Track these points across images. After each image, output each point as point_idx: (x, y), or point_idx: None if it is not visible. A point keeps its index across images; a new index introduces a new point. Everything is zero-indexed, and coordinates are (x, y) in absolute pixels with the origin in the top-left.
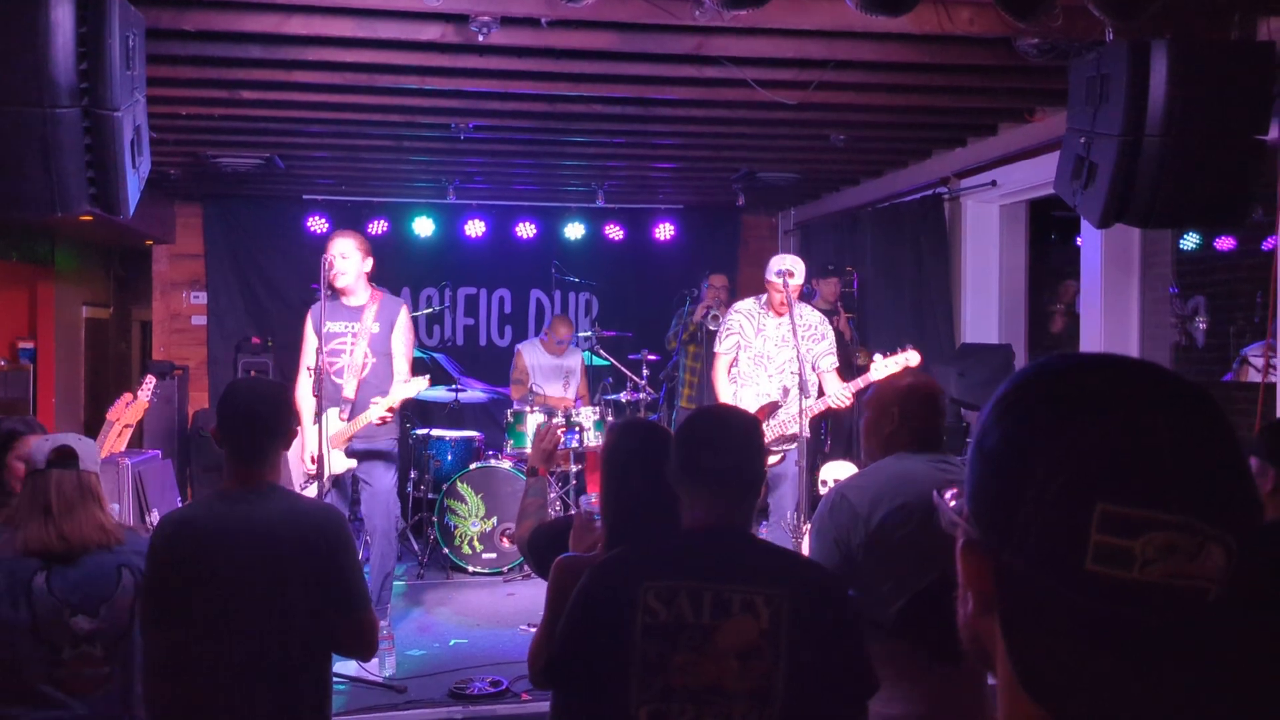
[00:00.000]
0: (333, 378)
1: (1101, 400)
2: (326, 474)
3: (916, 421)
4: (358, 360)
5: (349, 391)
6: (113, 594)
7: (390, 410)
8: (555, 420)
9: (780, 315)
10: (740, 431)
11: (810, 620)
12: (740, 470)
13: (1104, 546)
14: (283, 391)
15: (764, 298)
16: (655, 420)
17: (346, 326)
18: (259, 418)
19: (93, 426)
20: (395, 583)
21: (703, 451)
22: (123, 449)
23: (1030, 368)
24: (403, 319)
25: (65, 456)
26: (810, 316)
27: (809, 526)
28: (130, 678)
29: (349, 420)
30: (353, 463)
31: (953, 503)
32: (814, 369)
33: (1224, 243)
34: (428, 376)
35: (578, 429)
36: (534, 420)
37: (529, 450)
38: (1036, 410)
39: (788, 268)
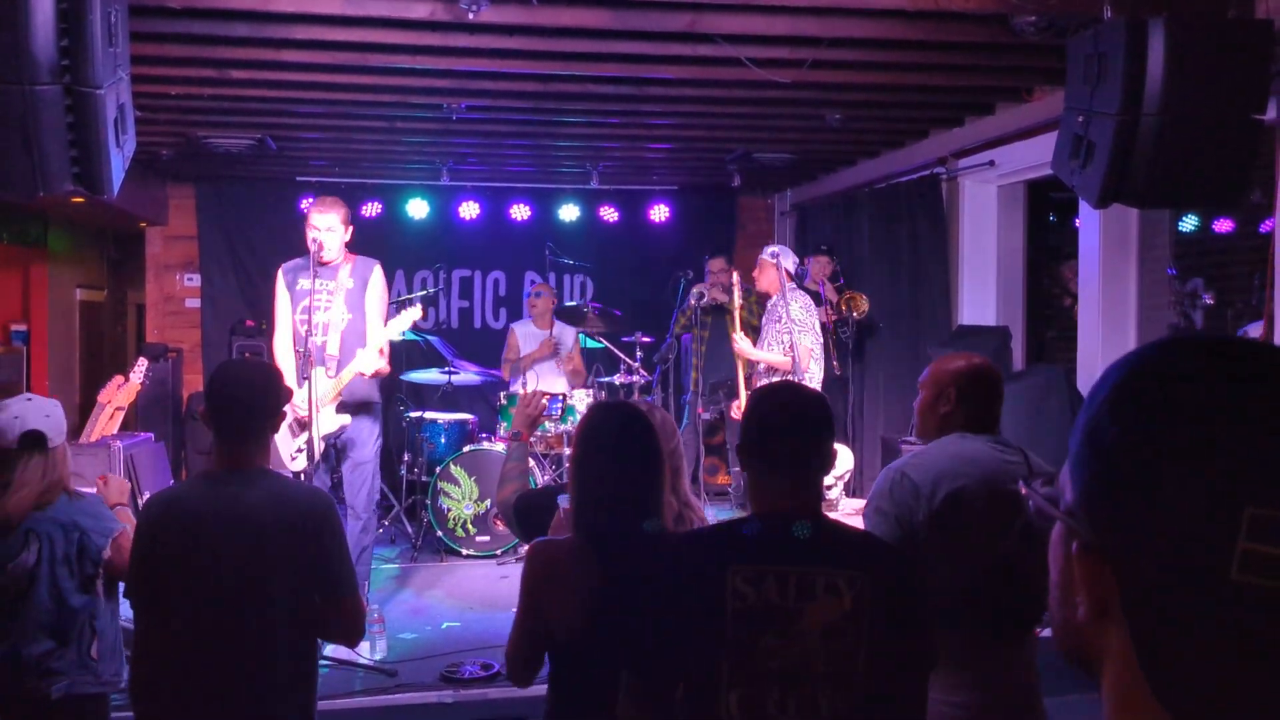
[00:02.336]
0: (316, 335)
1: (1242, 396)
2: (317, 436)
3: (974, 403)
4: (337, 316)
5: (333, 348)
6: (15, 555)
7: (381, 353)
8: (577, 403)
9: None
10: (811, 412)
11: (889, 601)
12: (812, 451)
13: (1252, 554)
14: (272, 373)
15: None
16: (650, 402)
17: (323, 284)
18: (248, 400)
19: (87, 410)
20: (388, 565)
21: (775, 433)
22: (115, 431)
23: (1144, 357)
24: (376, 275)
25: (34, 441)
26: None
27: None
28: (26, 639)
29: (335, 376)
30: (345, 418)
31: (1043, 494)
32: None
33: (1222, 225)
34: (417, 308)
35: (560, 404)
36: None
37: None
38: (1164, 401)
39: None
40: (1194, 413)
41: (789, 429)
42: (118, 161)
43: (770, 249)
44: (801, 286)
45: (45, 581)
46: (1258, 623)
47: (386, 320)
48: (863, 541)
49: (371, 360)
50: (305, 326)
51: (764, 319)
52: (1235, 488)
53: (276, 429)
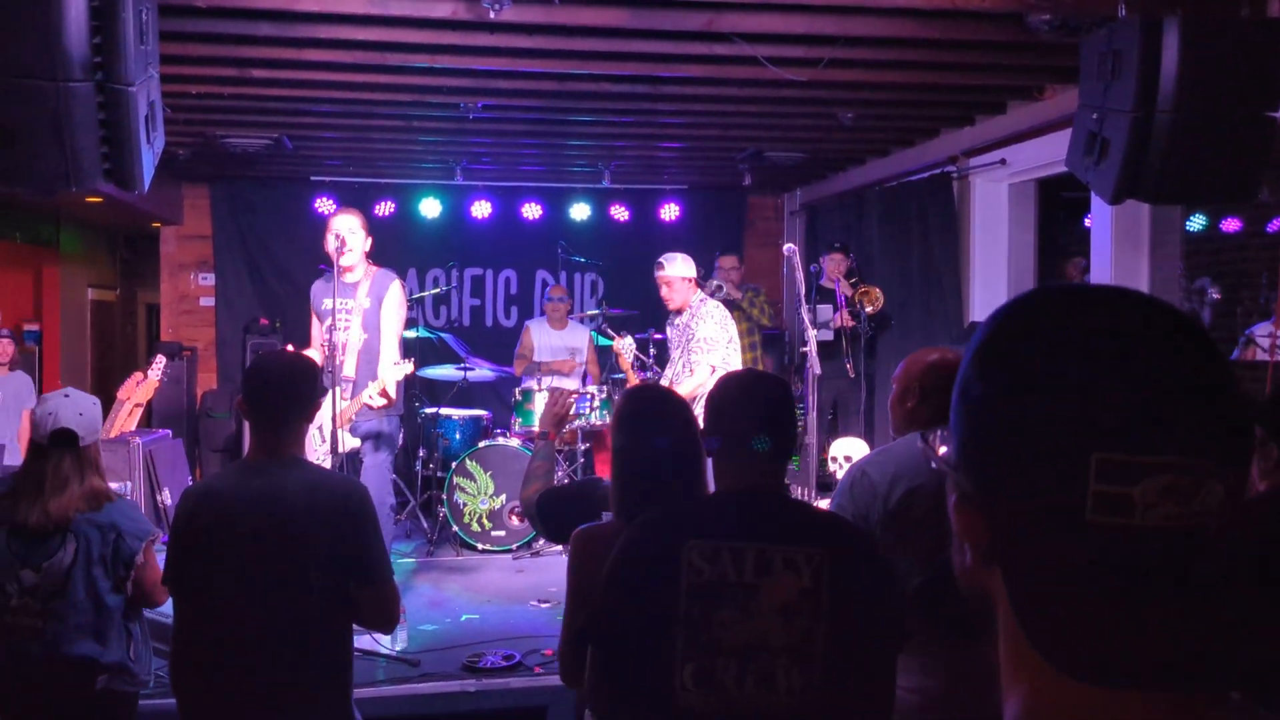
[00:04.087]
0: (336, 356)
1: (1087, 342)
2: (340, 450)
3: (938, 398)
4: (355, 338)
5: (349, 370)
6: (54, 554)
7: (384, 394)
8: (568, 388)
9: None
10: (770, 393)
11: (850, 578)
12: (772, 432)
13: (1103, 496)
14: (309, 364)
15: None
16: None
17: (343, 304)
18: (286, 388)
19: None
20: (404, 560)
21: (735, 415)
22: (133, 428)
23: (1008, 308)
24: (393, 293)
25: (65, 439)
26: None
27: (828, 501)
28: (68, 639)
29: (350, 399)
30: (357, 442)
31: (943, 449)
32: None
33: (1230, 224)
34: (412, 361)
35: (590, 399)
36: (542, 399)
37: (536, 429)
38: (1019, 357)
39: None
40: (1046, 363)
41: (749, 411)
42: (148, 158)
43: (670, 257)
44: (818, 286)
45: (82, 582)
46: (1111, 559)
47: (399, 336)
48: (825, 520)
49: (376, 396)
50: (327, 347)
51: (671, 335)
52: (1084, 433)
53: (311, 419)
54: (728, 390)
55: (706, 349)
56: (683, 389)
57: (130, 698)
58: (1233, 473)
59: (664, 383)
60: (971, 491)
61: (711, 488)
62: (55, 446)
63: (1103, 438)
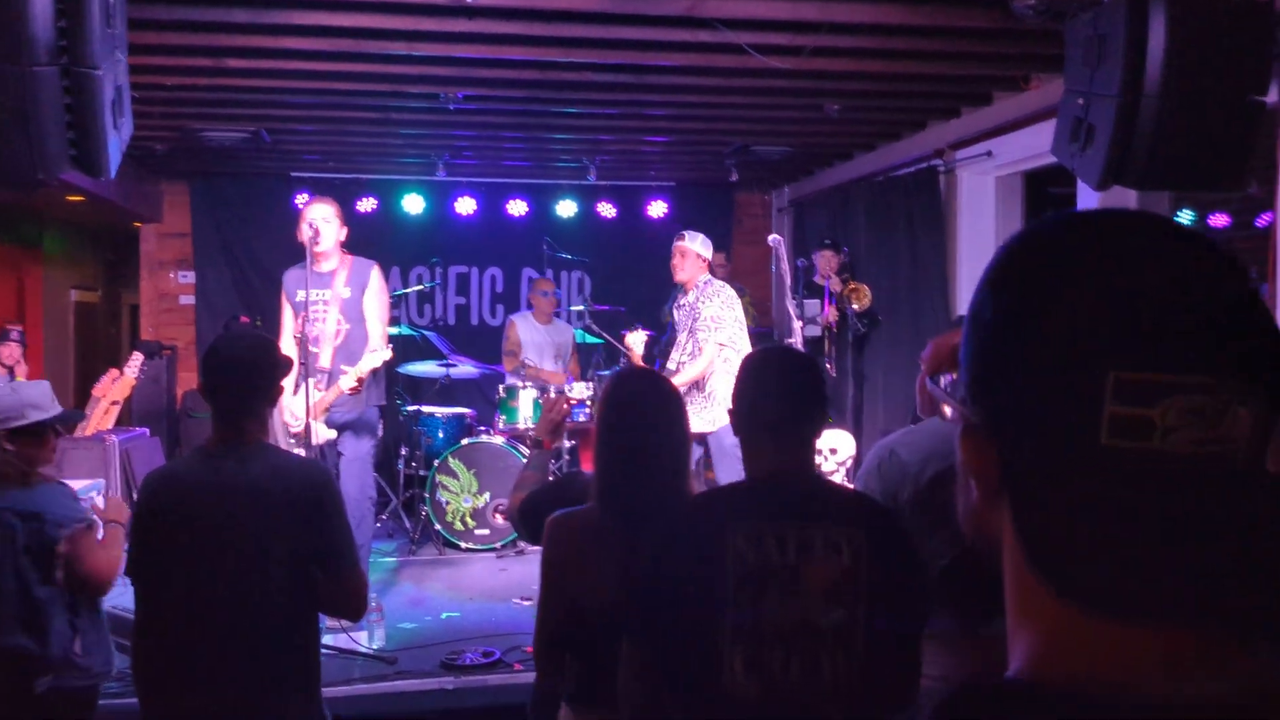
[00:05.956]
0: (309, 347)
1: (1104, 258)
2: (316, 442)
3: None
4: (330, 328)
5: (324, 361)
6: None
7: (359, 380)
8: (564, 394)
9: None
10: (801, 374)
11: (887, 559)
12: (804, 412)
13: (1120, 418)
14: (269, 345)
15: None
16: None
17: (319, 294)
18: (245, 371)
19: (81, 409)
20: (385, 559)
21: (767, 396)
22: (110, 426)
23: (1022, 233)
24: (374, 281)
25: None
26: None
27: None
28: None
29: (325, 390)
30: (333, 434)
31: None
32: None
33: (1218, 220)
34: (390, 347)
35: (587, 409)
36: (527, 396)
37: (520, 426)
38: (1034, 275)
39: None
40: (1061, 280)
41: (779, 391)
42: (115, 144)
43: (693, 233)
44: (809, 282)
45: (10, 572)
46: (1126, 485)
47: (385, 322)
48: (857, 500)
49: (349, 381)
50: (301, 337)
51: (677, 321)
52: (1101, 352)
53: (274, 403)
54: (756, 368)
55: (714, 327)
56: (693, 370)
57: (84, 693)
58: (1261, 399)
59: (671, 365)
60: (981, 421)
61: (696, 481)
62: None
63: (1120, 357)
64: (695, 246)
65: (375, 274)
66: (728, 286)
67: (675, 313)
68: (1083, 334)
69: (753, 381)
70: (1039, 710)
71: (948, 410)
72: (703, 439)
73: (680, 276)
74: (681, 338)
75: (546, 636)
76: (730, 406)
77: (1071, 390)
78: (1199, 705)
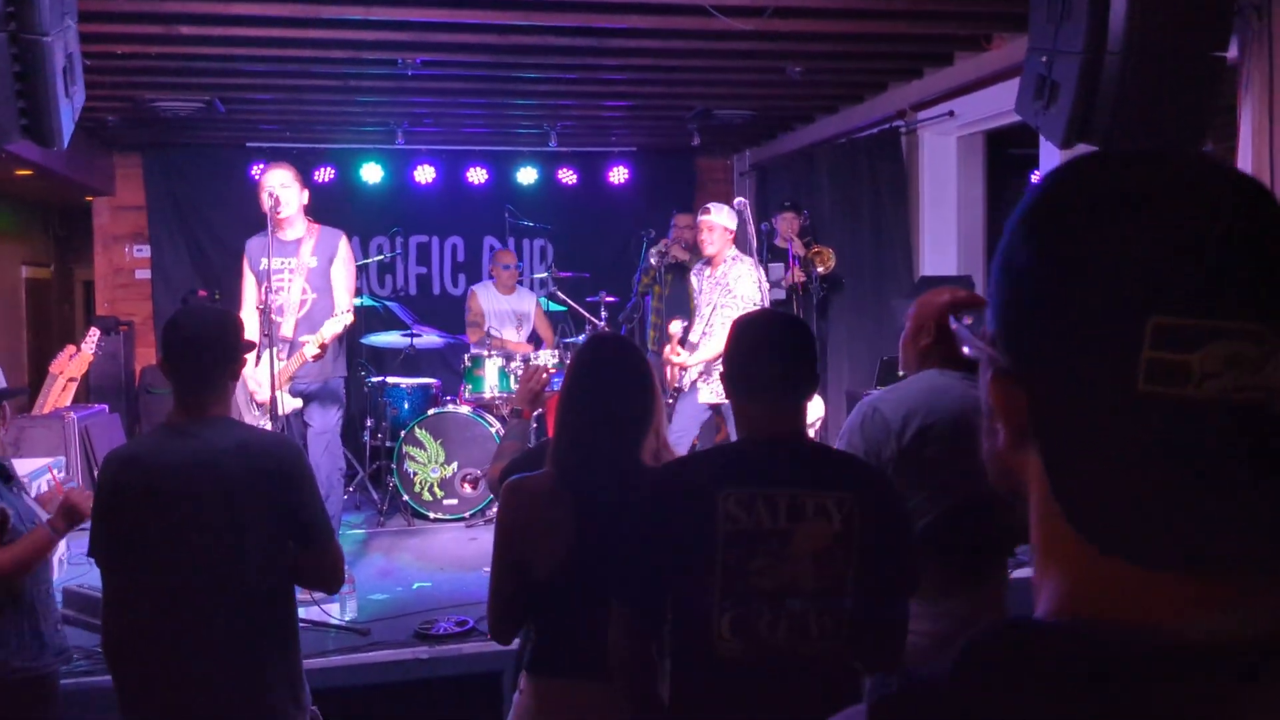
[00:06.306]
0: (272, 316)
1: (1146, 199)
2: (281, 413)
3: (953, 338)
4: (295, 298)
5: (287, 330)
6: None
7: (322, 346)
8: (531, 361)
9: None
10: (792, 337)
11: (877, 522)
12: (795, 376)
13: (1158, 363)
14: (230, 318)
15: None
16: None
17: (283, 263)
18: (206, 344)
19: (35, 388)
20: (354, 531)
21: (758, 360)
22: (68, 403)
23: (1057, 173)
24: (342, 250)
25: None
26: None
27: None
28: None
29: (287, 360)
30: (298, 403)
31: (969, 326)
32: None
33: None
34: (351, 312)
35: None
36: (492, 365)
37: (486, 395)
38: (1071, 217)
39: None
40: (1100, 222)
41: (771, 354)
42: (67, 112)
43: (717, 205)
44: (770, 245)
45: None
46: (1162, 431)
47: (352, 291)
48: (848, 464)
49: (311, 348)
50: (264, 307)
51: (701, 290)
52: (1140, 298)
53: (236, 376)
54: (746, 332)
55: (743, 307)
56: (707, 349)
57: (23, 679)
58: None
59: (694, 337)
60: (1011, 366)
61: (666, 438)
62: None
63: (1160, 301)
64: (722, 219)
65: (343, 244)
66: (755, 265)
67: (697, 280)
68: (1126, 279)
69: (744, 346)
70: (1080, 651)
71: (966, 350)
72: (718, 409)
73: (709, 251)
74: (706, 311)
75: (500, 604)
76: (722, 370)
77: (1110, 336)
78: (1232, 648)
